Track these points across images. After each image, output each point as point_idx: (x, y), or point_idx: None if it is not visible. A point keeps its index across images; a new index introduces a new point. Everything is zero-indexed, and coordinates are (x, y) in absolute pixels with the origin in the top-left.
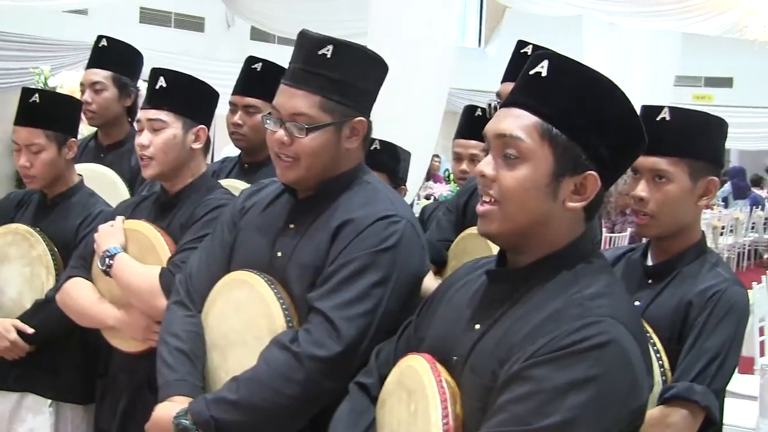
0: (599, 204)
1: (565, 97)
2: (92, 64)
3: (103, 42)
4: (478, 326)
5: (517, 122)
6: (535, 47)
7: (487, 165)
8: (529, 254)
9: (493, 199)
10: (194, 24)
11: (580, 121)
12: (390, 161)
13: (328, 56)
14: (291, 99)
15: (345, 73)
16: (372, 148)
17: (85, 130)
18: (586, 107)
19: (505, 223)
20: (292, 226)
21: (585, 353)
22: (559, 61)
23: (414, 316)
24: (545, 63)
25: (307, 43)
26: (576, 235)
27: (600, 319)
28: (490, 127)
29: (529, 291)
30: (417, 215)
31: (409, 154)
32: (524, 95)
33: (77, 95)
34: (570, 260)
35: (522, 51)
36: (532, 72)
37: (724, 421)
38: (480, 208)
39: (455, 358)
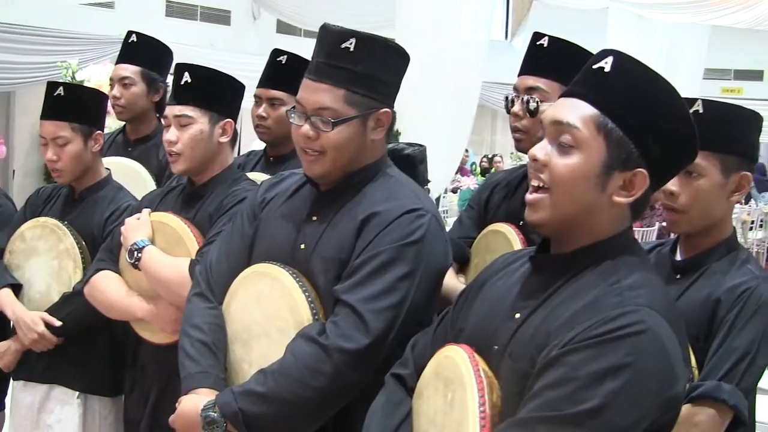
0: (645, 203)
1: (626, 93)
2: (122, 59)
3: (133, 38)
4: (518, 315)
5: (575, 111)
6: (551, 38)
7: (540, 150)
8: (572, 244)
9: (542, 184)
10: (220, 17)
11: (636, 118)
12: (406, 168)
13: (351, 50)
14: (315, 93)
15: (368, 66)
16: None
17: (112, 124)
18: (644, 106)
19: (552, 211)
20: (314, 218)
21: (621, 341)
22: (623, 59)
23: (450, 307)
24: (610, 59)
25: (330, 37)
26: (620, 229)
27: (637, 308)
28: (548, 114)
29: (569, 280)
30: (444, 209)
31: (424, 151)
32: (585, 87)
33: (104, 89)
34: (612, 252)
35: (538, 43)
36: (595, 66)
37: (760, 419)
38: (529, 196)
39: (496, 347)
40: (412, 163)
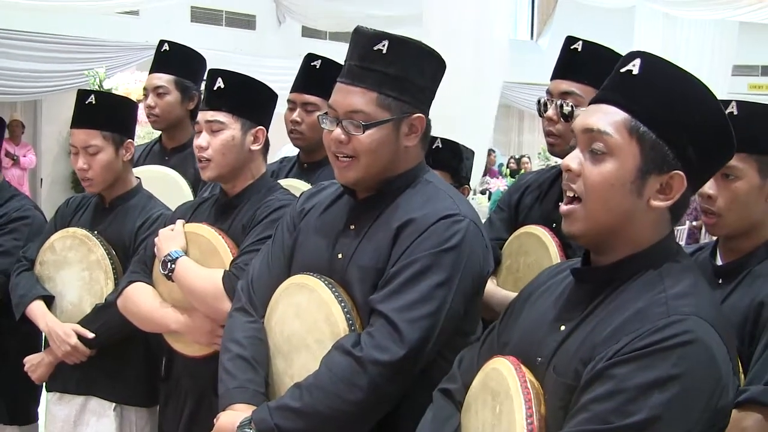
0: (685, 206)
1: (656, 95)
2: (155, 68)
3: (166, 46)
4: (563, 328)
5: (606, 118)
6: (585, 42)
7: (572, 159)
8: (613, 254)
9: (575, 195)
10: (245, 22)
11: (669, 120)
12: (452, 160)
13: (384, 52)
14: (347, 96)
15: (401, 69)
16: (434, 146)
17: (143, 132)
18: (676, 107)
19: (588, 222)
20: (352, 227)
21: (668, 351)
22: (651, 60)
23: (497, 322)
24: (637, 61)
25: (362, 40)
26: (662, 236)
27: (684, 317)
28: (579, 122)
29: (613, 291)
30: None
31: (472, 153)
32: (614, 92)
33: (133, 96)
34: (655, 260)
35: (572, 47)
36: (623, 70)
37: None
38: (563, 207)
39: (539, 359)
40: (459, 154)
